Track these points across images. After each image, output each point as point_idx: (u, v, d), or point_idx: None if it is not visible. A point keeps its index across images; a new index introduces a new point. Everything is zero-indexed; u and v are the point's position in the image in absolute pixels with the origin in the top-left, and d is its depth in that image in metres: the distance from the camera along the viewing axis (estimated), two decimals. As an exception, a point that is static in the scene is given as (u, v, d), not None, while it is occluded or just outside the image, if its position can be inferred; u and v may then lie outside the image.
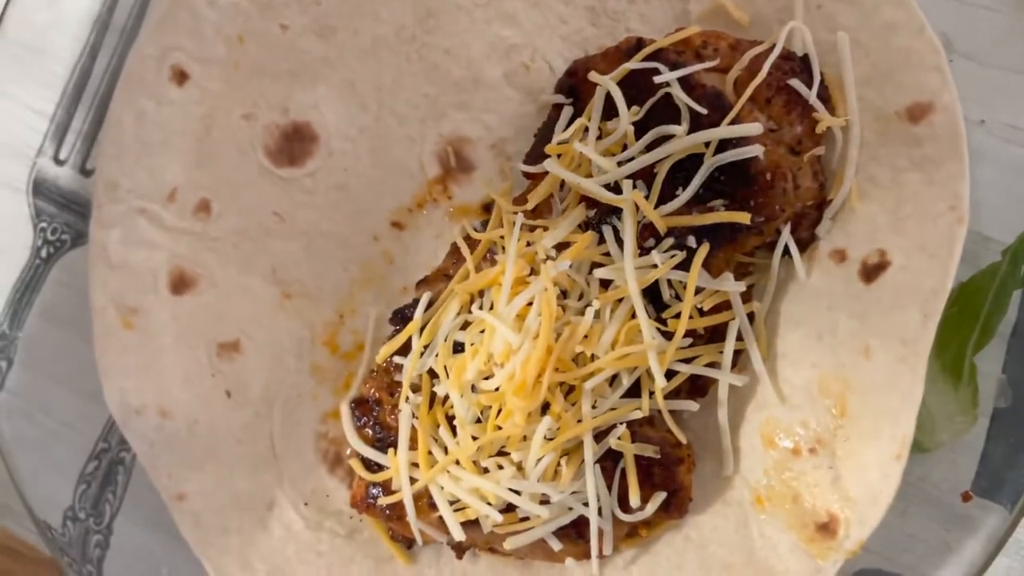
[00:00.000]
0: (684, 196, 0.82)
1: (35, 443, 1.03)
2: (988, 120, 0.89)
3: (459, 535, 0.85)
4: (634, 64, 0.85)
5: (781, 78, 0.84)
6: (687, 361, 0.85)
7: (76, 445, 1.03)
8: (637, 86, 0.85)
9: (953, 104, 0.82)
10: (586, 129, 0.88)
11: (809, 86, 0.84)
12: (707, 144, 0.82)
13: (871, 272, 0.82)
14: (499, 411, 0.84)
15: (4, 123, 1.08)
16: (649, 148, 0.84)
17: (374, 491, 0.90)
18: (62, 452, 1.03)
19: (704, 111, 0.82)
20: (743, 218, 0.81)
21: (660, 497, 0.84)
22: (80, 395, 1.02)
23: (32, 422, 1.03)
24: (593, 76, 0.87)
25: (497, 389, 0.83)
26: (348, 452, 0.95)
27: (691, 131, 0.82)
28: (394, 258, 0.99)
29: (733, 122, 0.82)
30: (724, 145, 0.82)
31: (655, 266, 0.83)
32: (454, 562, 0.93)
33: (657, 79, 0.83)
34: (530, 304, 0.83)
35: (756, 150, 0.81)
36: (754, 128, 0.82)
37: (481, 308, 0.88)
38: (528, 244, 0.88)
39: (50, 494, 1.02)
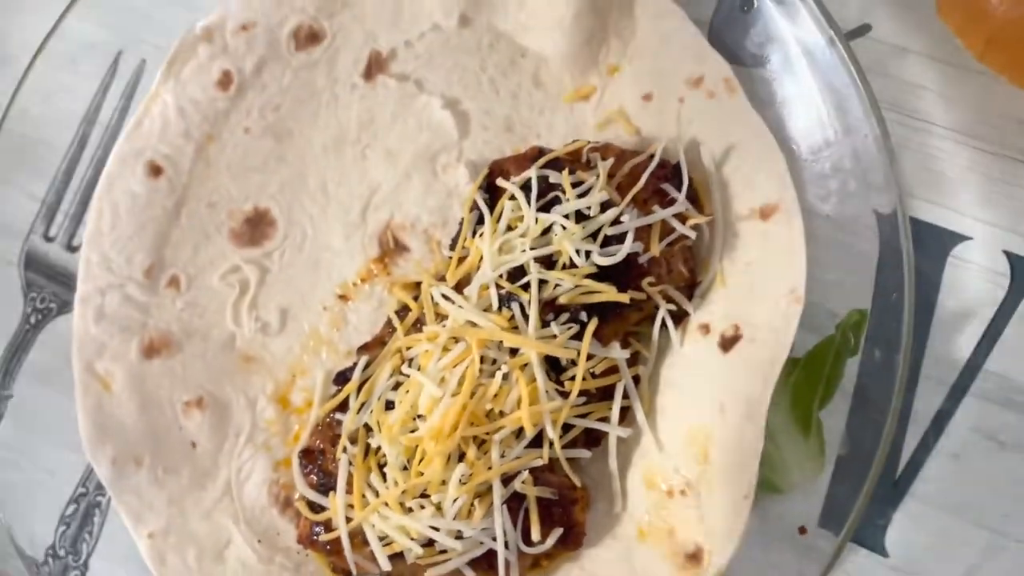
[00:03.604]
0: (573, 280, 0.99)
1: (22, 489, 1.16)
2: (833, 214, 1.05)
3: (387, 566, 0.99)
4: (535, 171, 1.02)
5: (655, 182, 1.02)
6: (583, 416, 1.00)
7: (57, 491, 1.16)
8: (540, 187, 1.02)
9: (794, 204, 0.99)
10: (498, 220, 1.05)
11: (679, 189, 1.02)
12: (594, 238, 0.99)
13: (728, 343, 0.99)
14: (421, 459, 0.99)
15: (4, 207, 1.23)
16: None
17: (317, 529, 1.04)
18: (45, 497, 1.16)
19: (592, 213, 0.99)
20: (623, 297, 0.97)
21: (558, 533, 0.98)
22: (61, 446, 1.15)
23: (19, 470, 1.16)
24: (500, 182, 1.04)
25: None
26: (296, 496, 1.09)
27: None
28: (340, 326, 1.14)
29: (616, 220, 0.99)
30: (608, 240, 0.99)
31: (555, 336, 0.99)
32: (386, 591, 1.07)
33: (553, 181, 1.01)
34: (454, 366, 0.99)
35: (636, 246, 0.99)
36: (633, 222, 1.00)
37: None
38: (446, 318, 1.04)
39: (34, 534, 1.15)
